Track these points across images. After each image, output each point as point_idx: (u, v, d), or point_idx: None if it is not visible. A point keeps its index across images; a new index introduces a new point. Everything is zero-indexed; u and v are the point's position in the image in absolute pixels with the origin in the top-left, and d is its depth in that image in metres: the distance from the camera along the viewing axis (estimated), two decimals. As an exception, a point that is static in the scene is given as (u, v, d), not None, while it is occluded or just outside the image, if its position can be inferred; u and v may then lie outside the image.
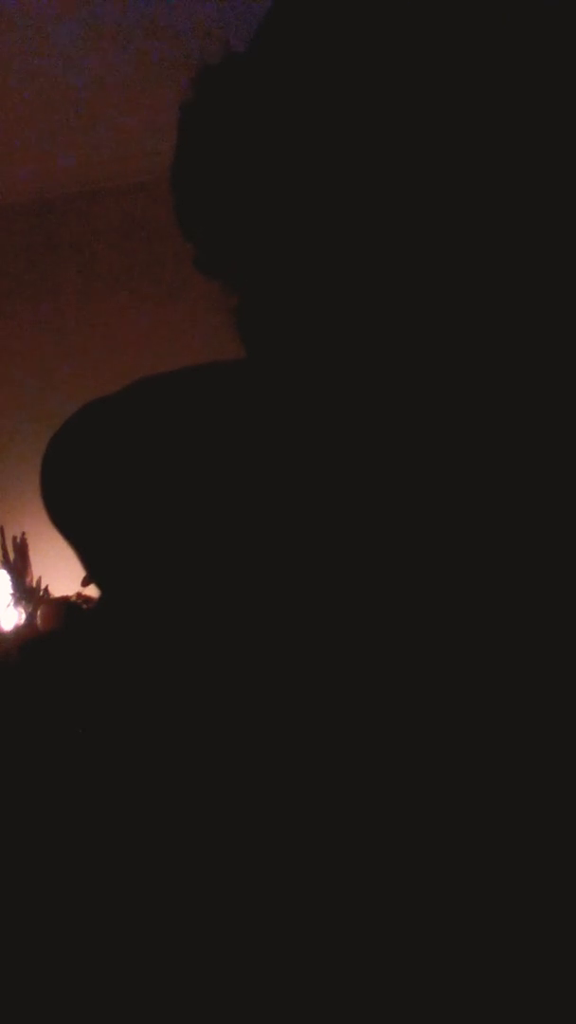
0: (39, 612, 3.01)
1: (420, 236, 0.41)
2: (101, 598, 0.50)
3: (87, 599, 2.95)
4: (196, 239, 0.49)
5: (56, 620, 2.89)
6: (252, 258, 0.46)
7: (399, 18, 0.42)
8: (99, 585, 0.50)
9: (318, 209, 0.43)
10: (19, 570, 3.21)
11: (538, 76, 0.41)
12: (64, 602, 2.98)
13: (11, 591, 3.16)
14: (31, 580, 3.23)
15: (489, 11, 0.41)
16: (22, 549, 3.25)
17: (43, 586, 3.20)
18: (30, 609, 3.11)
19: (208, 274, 0.48)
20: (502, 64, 0.41)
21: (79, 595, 2.98)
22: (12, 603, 3.14)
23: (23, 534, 3.26)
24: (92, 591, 2.87)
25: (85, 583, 2.84)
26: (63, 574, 3.08)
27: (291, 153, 0.43)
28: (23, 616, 3.11)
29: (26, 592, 3.17)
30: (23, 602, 3.14)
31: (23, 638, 2.87)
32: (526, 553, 0.41)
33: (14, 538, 3.26)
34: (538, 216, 0.41)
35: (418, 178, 0.41)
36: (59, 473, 0.50)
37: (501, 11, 0.41)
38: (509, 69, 0.41)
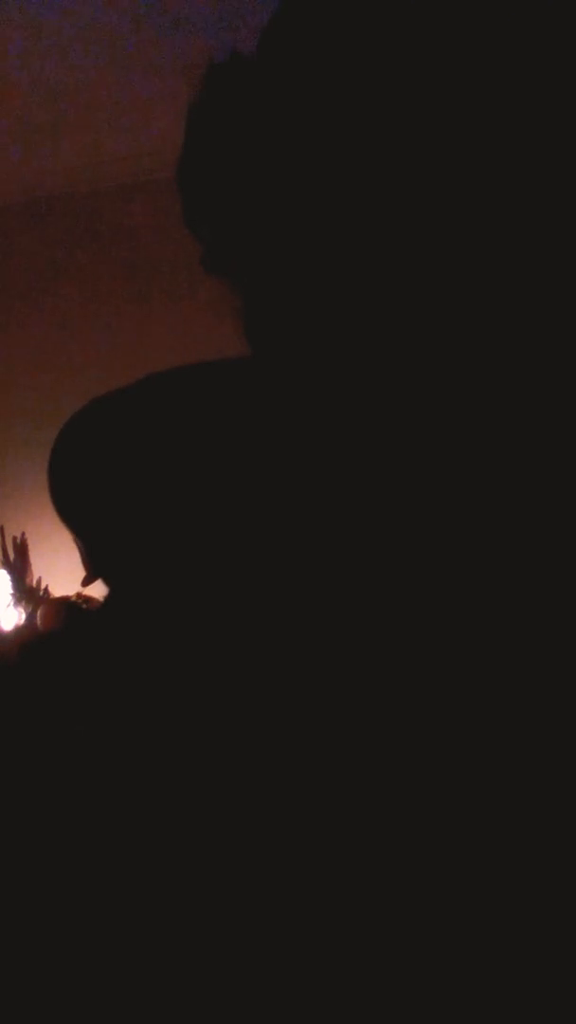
0: (39, 612, 3.01)
1: (424, 237, 0.41)
2: (107, 593, 0.50)
3: (87, 599, 2.95)
4: (203, 238, 0.48)
5: (56, 620, 2.89)
6: (258, 258, 0.46)
7: (404, 19, 0.42)
8: (104, 579, 0.50)
9: (323, 209, 0.43)
10: (19, 570, 3.21)
11: (538, 80, 0.41)
12: (64, 602, 2.98)
13: (11, 591, 3.16)
14: (31, 580, 3.23)
15: (492, 12, 0.41)
16: (22, 549, 3.25)
17: (43, 586, 3.21)
18: (30, 609, 3.11)
19: (214, 273, 0.48)
20: (504, 66, 0.41)
21: (79, 595, 2.98)
22: (12, 603, 3.14)
23: (23, 534, 3.26)
24: (92, 591, 2.87)
25: (85, 583, 2.84)
26: (63, 574, 3.08)
27: (297, 153, 0.43)
28: (23, 616, 3.11)
29: (26, 592, 3.18)
30: (23, 602, 3.14)
31: (23, 638, 2.87)
32: (526, 552, 0.41)
33: (14, 538, 3.26)
34: (539, 216, 0.41)
35: (422, 179, 0.41)
36: (65, 466, 0.50)
37: (503, 13, 0.41)
38: (511, 72, 0.41)
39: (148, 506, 0.46)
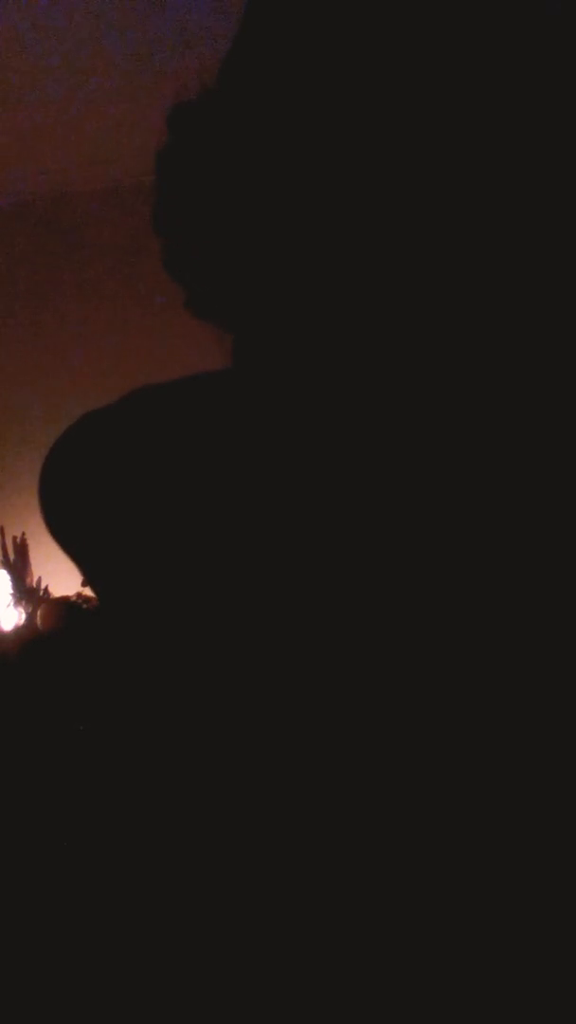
0: (39, 612, 3.01)
1: (408, 276, 0.41)
2: (101, 608, 0.50)
3: (87, 599, 2.95)
4: (185, 283, 0.48)
5: (56, 620, 2.89)
6: (242, 300, 0.46)
7: (372, 49, 0.41)
8: (98, 596, 0.50)
9: (304, 252, 0.42)
10: (19, 570, 3.21)
11: (529, 95, 0.40)
12: (64, 602, 2.97)
13: (11, 591, 3.16)
14: (31, 580, 3.23)
15: (471, 52, 0.40)
16: (22, 549, 3.25)
17: (43, 586, 3.20)
18: (30, 609, 3.11)
19: (200, 316, 0.48)
20: (493, 102, 0.40)
21: (79, 595, 2.98)
22: (12, 603, 3.14)
23: (23, 534, 3.25)
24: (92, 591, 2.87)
25: (85, 583, 2.83)
26: (63, 574, 3.08)
27: (271, 196, 0.43)
28: (23, 616, 3.11)
29: (26, 592, 3.17)
30: (23, 602, 3.14)
31: (23, 638, 2.87)
32: (525, 553, 0.41)
33: (14, 538, 3.26)
34: (536, 241, 0.41)
35: (401, 216, 0.41)
36: (57, 487, 0.50)
37: (488, 45, 0.40)
38: (500, 99, 0.40)
39: (140, 526, 0.46)
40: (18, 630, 3.04)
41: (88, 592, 2.95)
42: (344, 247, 0.41)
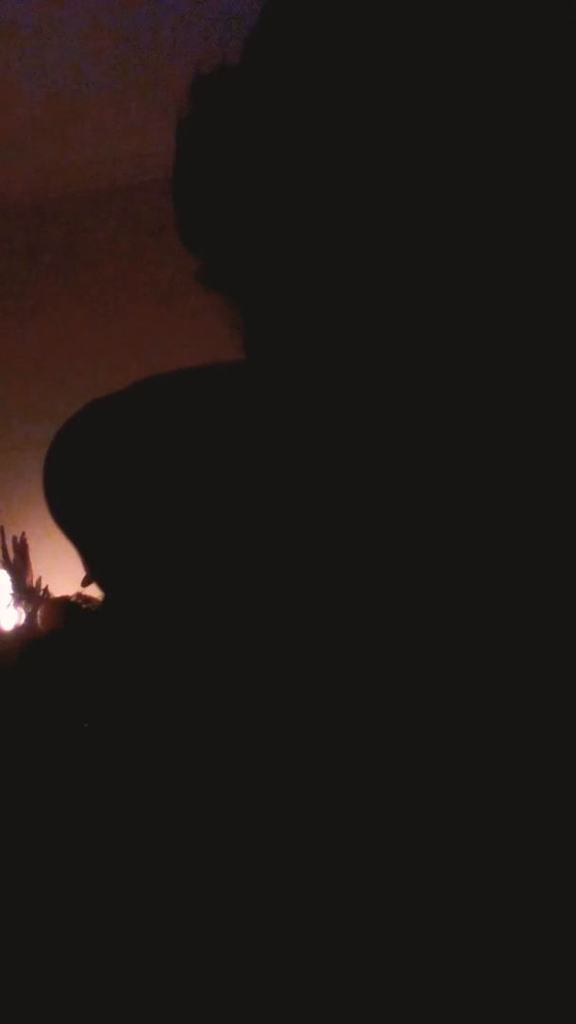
0: (39, 612, 3.01)
1: (423, 248, 0.41)
2: (104, 598, 0.50)
3: (87, 599, 2.95)
4: (199, 253, 0.48)
5: (56, 620, 2.89)
6: (256, 272, 0.46)
7: (394, 26, 0.41)
8: (100, 585, 0.50)
9: (321, 221, 0.42)
10: (19, 570, 3.21)
11: (533, 88, 0.40)
12: (64, 602, 2.98)
13: (11, 591, 3.16)
14: (31, 580, 3.23)
15: (486, 19, 0.41)
16: (22, 549, 3.25)
17: (43, 586, 3.21)
18: (30, 609, 3.11)
19: (212, 288, 0.48)
20: (500, 74, 0.40)
21: (79, 595, 2.98)
22: (12, 603, 3.14)
23: (23, 534, 3.26)
24: (92, 591, 2.87)
25: (85, 583, 2.84)
26: (63, 574, 3.08)
27: (291, 162, 0.43)
28: (23, 616, 3.11)
29: (26, 592, 3.18)
30: (23, 602, 3.14)
31: (23, 638, 2.87)
32: (526, 554, 0.41)
33: (14, 538, 3.26)
34: (538, 243, 0.41)
35: (419, 190, 0.41)
36: (62, 472, 0.50)
37: (498, 19, 0.41)
38: (506, 78, 0.40)
39: (144, 512, 0.46)
40: (18, 630, 3.04)
41: (88, 592, 2.95)
42: (365, 223, 0.41)
